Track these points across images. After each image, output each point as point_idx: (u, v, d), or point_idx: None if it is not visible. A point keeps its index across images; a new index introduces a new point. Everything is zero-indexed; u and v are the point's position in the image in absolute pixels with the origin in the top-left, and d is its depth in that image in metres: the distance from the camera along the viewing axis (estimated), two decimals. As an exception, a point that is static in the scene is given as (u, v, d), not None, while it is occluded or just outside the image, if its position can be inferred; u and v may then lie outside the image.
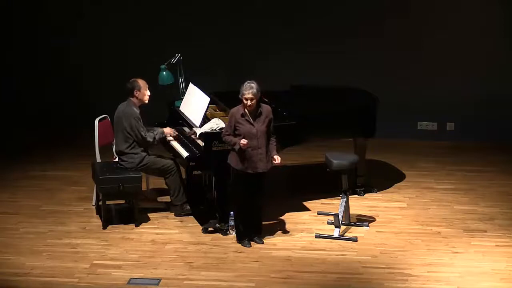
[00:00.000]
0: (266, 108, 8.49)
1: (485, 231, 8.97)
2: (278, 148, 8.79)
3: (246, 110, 8.39)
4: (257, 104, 8.40)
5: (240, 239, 8.64)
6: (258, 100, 8.38)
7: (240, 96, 8.35)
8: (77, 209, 9.54)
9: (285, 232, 8.93)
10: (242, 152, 8.37)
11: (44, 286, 7.80)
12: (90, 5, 12.14)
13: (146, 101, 9.20)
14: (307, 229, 8.98)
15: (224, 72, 11.78)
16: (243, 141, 8.28)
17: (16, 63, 12.42)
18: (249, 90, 8.29)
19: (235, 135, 8.40)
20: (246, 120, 8.39)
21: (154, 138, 9.17)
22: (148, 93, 9.18)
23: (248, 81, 8.36)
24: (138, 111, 9.12)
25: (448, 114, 11.97)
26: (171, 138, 9.31)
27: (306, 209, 9.54)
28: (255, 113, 8.41)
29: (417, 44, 11.81)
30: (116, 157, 9.41)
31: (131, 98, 9.16)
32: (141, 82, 9.16)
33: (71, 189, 10.11)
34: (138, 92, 9.14)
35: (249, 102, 8.31)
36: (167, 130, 9.30)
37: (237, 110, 8.43)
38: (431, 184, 10.35)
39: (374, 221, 9.23)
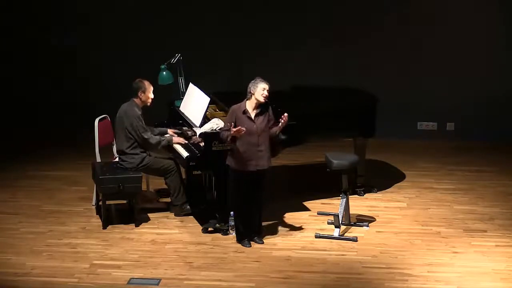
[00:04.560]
0: (266, 107, 8.50)
1: (485, 231, 8.97)
2: (279, 148, 8.82)
3: (248, 108, 8.40)
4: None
5: (240, 239, 8.64)
6: None
7: (251, 90, 8.34)
8: (77, 209, 9.54)
9: (285, 232, 8.93)
10: (242, 151, 8.37)
11: (44, 286, 7.80)
12: (90, 5, 12.13)
13: (149, 104, 9.19)
14: (307, 229, 8.98)
15: (224, 72, 11.79)
16: (234, 129, 8.27)
17: (16, 63, 12.42)
18: (265, 82, 8.37)
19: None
20: (247, 117, 8.40)
21: (159, 143, 9.13)
22: (151, 96, 9.16)
23: (259, 77, 8.39)
24: (140, 112, 9.11)
25: (448, 114, 11.98)
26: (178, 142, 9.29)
27: (306, 209, 9.55)
28: (257, 110, 8.42)
29: (417, 44, 11.81)
30: (116, 157, 9.41)
31: (134, 99, 9.15)
32: (147, 84, 9.15)
33: (71, 189, 10.11)
34: (142, 94, 9.13)
35: (266, 93, 8.34)
36: (176, 139, 9.23)
37: (239, 106, 8.45)
38: (431, 184, 10.35)
39: (374, 221, 9.23)
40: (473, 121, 11.91)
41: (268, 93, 8.37)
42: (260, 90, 8.35)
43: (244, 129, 8.30)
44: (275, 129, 8.49)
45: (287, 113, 8.40)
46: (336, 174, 8.90)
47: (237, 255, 8.40)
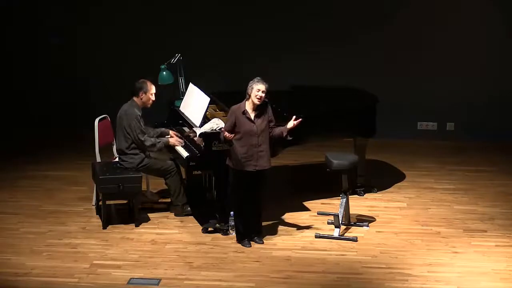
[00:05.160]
0: (266, 107, 8.50)
1: (485, 231, 8.97)
2: (279, 148, 8.82)
3: (247, 108, 8.39)
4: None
5: (240, 239, 8.64)
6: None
7: (248, 90, 8.35)
8: (77, 209, 9.54)
9: (285, 232, 8.93)
10: (242, 151, 8.37)
11: (44, 286, 7.80)
12: (90, 6, 12.13)
13: (149, 105, 9.18)
14: (307, 229, 8.98)
15: (224, 72, 11.78)
16: (227, 134, 8.32)
17: (16, 63, 12.42)
18: (262, 83, 8.34)
19: (235, 133, 8.41)
20: (247, 117, 8.39)
21: (154, 145, 9.11)
22: (153, 97, 9.15)
23: (258, 77, 8.39)
24: (139, 113, 9.10)
25: (448, 114, 11.98)
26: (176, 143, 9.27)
27: (306, 209, 9.55)
28: (256, 111, 8.42)
29: (417, 44, 11.81)
30: (116, 157, 9.41)
31: (135, 98, 9.14)
32: (150, 86, 9.13)
33: (71, 189, 10.11)
34: (143, 94, 9.11)
35: (260, 94, 8.31)
36: (173, 140, 9.22)
37: (238, 107, 8.44)
38: (431, 184, 10.35)
39: (374, 221, 9.23)
40: (473, 121, 11.90)
41: (264, 94, 8.34)
42: (255, 91, 8.34)
43: (232, 136, 8.31)
44: (282, 130, 8.47)
45: (295, 115, 8.42)
46: (336, 174, 8.90)
47: (237, 255, 8.40)
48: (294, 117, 8.47)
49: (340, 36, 11.81)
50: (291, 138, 8.63)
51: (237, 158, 8.41)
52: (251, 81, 8.39)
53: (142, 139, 9.06)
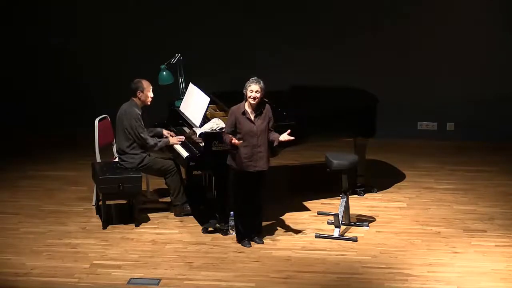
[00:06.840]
0: (266, 107, 8.50)
1: (485, 231, 8.97)
2: (278, 148, 8.82)
3: (247, 109, 8.39)
4: (259, 102, 8.40)
5: (240, 239, 8.64)
6: (261, 98, 8.39)
7: (244, 91, 8.35)
8: (77, 209, 9.54)
9: (285, 232, 8.93)
10: (242, 151, 8.37)
11: (44, 286, 7.80)
12: (90, 6, 12.13)
13: (149, 103, 9.19)
14: (307, 229, 8.98)
15: (224, 72, 11.78)
16: (235, 141, 8.30)
17: (16, 63, 12.42)
18: (255, 83, 8.32)
19: (235, 133, 8.40)
20: (247, 118, 8.39)
21: (156, 144, 9.12)
22: (151, 94, 9.16)
23: (254, 77, 8.38)
24: (140, 112, 9.11)
25: (448, 114, 11.98)
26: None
27: (306, 209, 9.55)
28: (256, 111, 8.41)
29: (417, 44, 11.81)
30: (116, 157, 9.42)
31: (134, 98, 9.15)
32: (145, 84, 9.15)
33: (71, 189, 10.11)
34: (141, 94, 9.13)
35: (254, 94, 8.30)
36: (173, 140, 9.23)
37: (238, 108, 8.43)
38: (431, 184, 10.35)
39: (374, 221, 9.23)
40: (473, 121, 11.90)
41: (258, 94, 8.32)
42: (248, 92, 8.34)
43: (240, 142, 8.30)
44: (275, 138, 8.45)
45: (287, 121, 8.46)
46: (336, 174, 8.90)
47: (237, 255, 8.40)
48: (288, 131, 8.45)
49: (340, 36, 11.81)
50: (280, 150, 8.69)
51: (237, 158, 8.40)
52: (247, 82, 8.38)
53: (145, 137, 9.06)
